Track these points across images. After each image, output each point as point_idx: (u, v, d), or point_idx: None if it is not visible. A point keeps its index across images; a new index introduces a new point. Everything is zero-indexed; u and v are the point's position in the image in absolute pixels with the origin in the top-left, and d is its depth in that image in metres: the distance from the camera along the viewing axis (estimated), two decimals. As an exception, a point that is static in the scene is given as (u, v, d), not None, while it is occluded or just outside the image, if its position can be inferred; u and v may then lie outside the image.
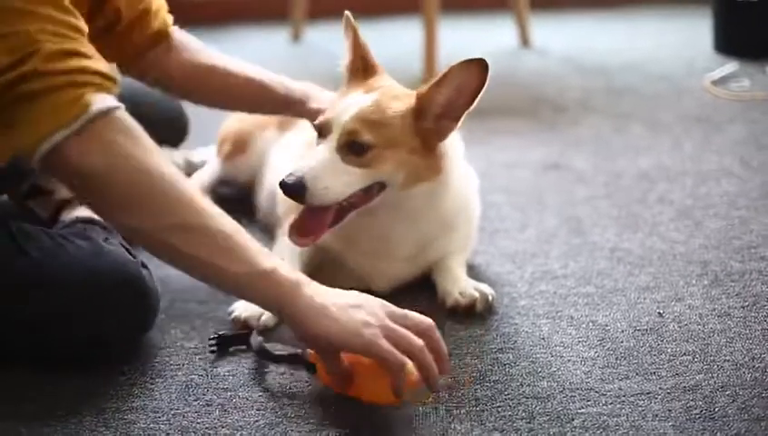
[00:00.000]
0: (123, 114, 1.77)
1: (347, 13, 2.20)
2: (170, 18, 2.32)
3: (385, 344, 1.68)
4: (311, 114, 2.21)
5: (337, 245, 2.19)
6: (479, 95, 2.04)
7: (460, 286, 2.16)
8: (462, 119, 2.06)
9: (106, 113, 1.73)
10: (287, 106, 2.33)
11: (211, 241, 1.75)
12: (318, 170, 1.97)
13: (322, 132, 2.04)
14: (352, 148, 2.01)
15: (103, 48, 2.17)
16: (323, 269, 2.19)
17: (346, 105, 2.05)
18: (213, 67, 2.34)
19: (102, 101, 1.73)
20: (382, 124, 2.03)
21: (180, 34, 2.35)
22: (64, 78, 1.72)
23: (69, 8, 1.78)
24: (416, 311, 1.80)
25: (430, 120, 2.07)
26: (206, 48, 2.37)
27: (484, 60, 2.02)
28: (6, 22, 1.70)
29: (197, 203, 1.76)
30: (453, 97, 2.06)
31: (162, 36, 2.30)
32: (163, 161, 1.78)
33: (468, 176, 2.31)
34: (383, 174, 2.03)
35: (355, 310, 1.73)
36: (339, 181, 1.99)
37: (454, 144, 2.15)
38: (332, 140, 2.01)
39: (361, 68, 2.17)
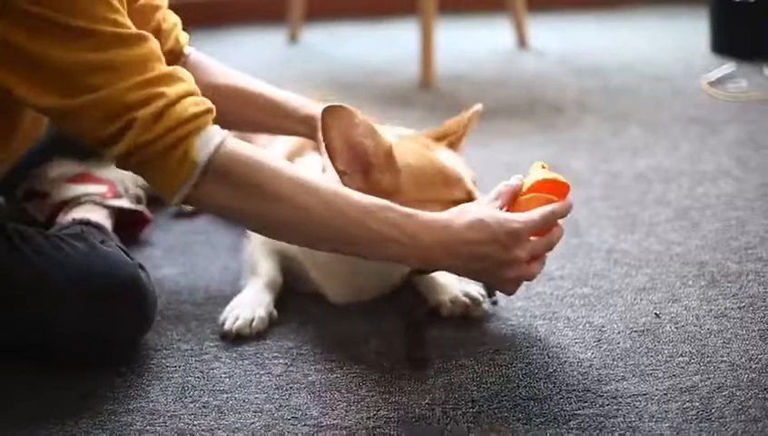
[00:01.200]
0: (231, 143, 1.82)
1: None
2: (184, 37, 2.27)
3: None
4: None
5: (301, 255, 2.19)
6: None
7: (450, 294, 2.14)
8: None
9: (214, 154, 1.79)
10: (303, 122, 2.25)
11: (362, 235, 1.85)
12: None
13: (471, 196, 2.06)
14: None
15: None
16: (288, 274, 2.23)
17: (460, 165, 2.12)
18: (236, 89, 2.27)
19: (204, 145, 1.80)
20: None
21: (197, 55, 2.29)
22: (162, 143, 1.78)
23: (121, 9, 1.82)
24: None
25: None
26: (226, 70, 2.31)
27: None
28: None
29: (334, 208, 1.83)
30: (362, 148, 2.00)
31: (175, 56, 2.23)
32: (285, 174, 1.84)
33: None
34: None
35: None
36: None
37: None
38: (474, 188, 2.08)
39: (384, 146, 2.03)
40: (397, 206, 1.85)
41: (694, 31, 4.26)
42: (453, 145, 2.21)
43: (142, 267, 2.05)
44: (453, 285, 2.16)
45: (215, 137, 1.82)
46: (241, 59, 4.19)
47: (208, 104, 1.84)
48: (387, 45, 4.37)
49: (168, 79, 1.81)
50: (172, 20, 2.24)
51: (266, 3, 4.90)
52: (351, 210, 1.84)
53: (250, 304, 2.13)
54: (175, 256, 2.47)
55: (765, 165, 2.89)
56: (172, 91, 1.80)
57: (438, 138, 2.21)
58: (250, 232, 2.29)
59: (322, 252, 2.05)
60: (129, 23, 1.82)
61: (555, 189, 1.95)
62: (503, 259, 1.87)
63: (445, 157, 2.10)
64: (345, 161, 1.98)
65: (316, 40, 4.54)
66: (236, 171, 1.82)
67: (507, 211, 1.92)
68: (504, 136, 3.24)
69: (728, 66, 3.74)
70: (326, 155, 1.98)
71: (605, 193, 2.74)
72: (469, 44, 4.39)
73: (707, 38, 4.06)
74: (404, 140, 2.12)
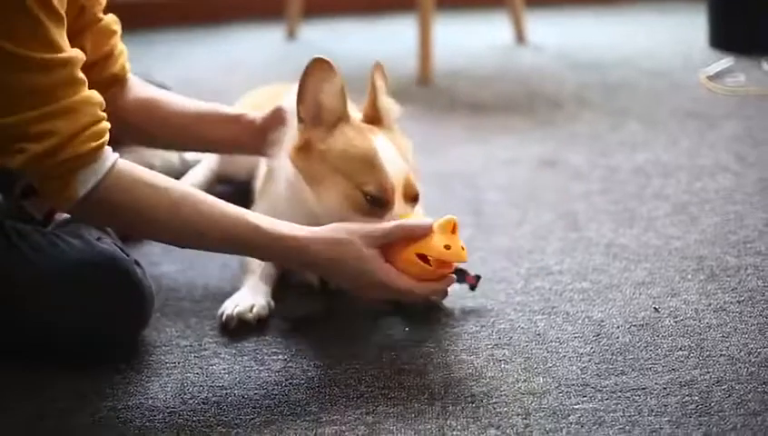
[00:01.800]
0: (115, 173, 1.88)
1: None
2: (128, 65, 2.30)
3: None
4: (258, 124, 2.26)
5: None
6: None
7: None
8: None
9: (91, 190, 1.86)
10: (236, 121, 2.31)
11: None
12: None
13: (384, 201, 2.01)
14: (415, 199, 2.05)
15: None
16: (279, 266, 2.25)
17: (394, 164, 2.03)
18: (158, 99, 2.33)
19: (86, 182, 1.85)
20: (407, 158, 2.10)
21: (137, 80, 2.33)
22: (48, 175, 1.85)
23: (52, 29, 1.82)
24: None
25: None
26: (161, 91, 2.38)
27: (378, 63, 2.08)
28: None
29: (206, 238, 1.96)
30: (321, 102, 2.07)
31: (119, 80, 2.27)
32: (162, 201, 1.92)
33: None
34: None
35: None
36: None
37: None
38: (400, 199, 2.02)
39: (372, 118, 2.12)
40: (264, 229, 1.94)
41: (692, 25, 4.26)
42: (384, 124, 2.14)
43: (137, 263, 2.05)
44: None
45: (99, 171, 1.86)
46: (239, 55, 4.20)
47: (103, 135, 1.87)
48: (385, 41, 4.38)
49: (71, 111, 1.83)
50: (121, 48, 2.27)
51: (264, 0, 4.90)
52: (218, 233, 1.94)
53: (248, 295, 2.15)
54: (174, 253, 2.45)
55: (763, 160, 2.89)
56: (68, 127, 1.82)
57: (371, 120, 2.14)
58: None
59: None
60: (61, 41, 1.83)
61: (442, 263, 1.94)
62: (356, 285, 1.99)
63: (382, 148, 2.04)
64: (308, 110, 2.04)
65: (314, 36, 4.54)
66: (114, 200, 1.89)
67: (388, 250, 1.93)
68: (502, 132, 3.24)
69: (726, 61, 3.74)
70: (295, 98, 2.06)
71: (603, 188, 2.73)
72: (467, 40, 4.39)
73: (705, 33, 4.06)
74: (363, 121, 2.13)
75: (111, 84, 2.24)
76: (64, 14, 1.84)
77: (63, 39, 1.83)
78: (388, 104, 2.16)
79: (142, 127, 2.31)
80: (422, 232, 1.92)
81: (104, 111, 1.90)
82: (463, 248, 1.92)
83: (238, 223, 1.94)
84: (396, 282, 1.93)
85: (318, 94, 2.04)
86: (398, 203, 2.01)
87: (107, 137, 1.88)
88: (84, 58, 1.88)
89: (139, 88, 2.32)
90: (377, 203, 2.00)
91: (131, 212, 1.91)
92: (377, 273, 1.92)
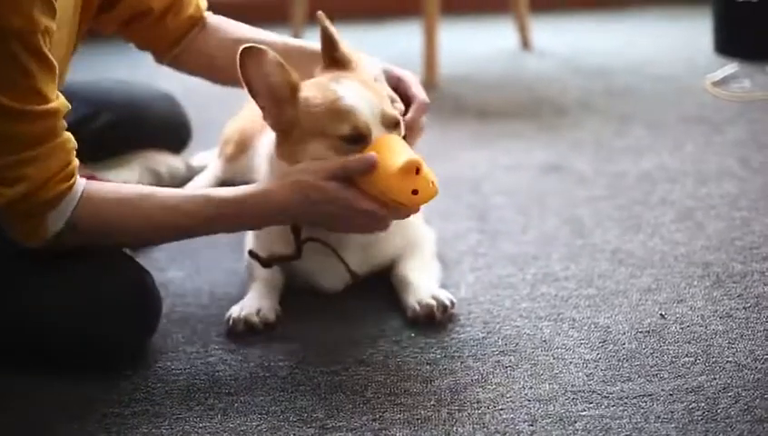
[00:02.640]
0: (84, 203, 1.91)
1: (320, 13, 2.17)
2: (204, 2, 2.30)
3: None
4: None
5: (287, 251, 2.19)
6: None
7: (418, 296, 2.14)
8: None
9: (64, 226, 1.90)
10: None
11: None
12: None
13: (358, 136, 1.99)
14: (394, 126, 2.02)
15: (135, 38, 2.20)
16: (284, 272, 2.25)
17: (361, 98, 2.00)
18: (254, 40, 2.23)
19: (57, 220, 1.89)
20: (380, 90, 2.08)
21: (215, 18, 2.32)
22: (22, 214, 1.88)
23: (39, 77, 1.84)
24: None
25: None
26: (242, 25, 2.34)
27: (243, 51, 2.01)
28: None
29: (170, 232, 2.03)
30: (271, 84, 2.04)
31: (196, 21, 2.27)
32: (132, 216, 1.96)
33: None
34: None
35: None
36: None
37: None
38: (378, 128, 1.99)
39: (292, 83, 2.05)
40: (217, 195, 2.00)
41: (697, 31, 4.26)
42: (350, 67, 2.12)
43: (145, 270, 2.05)
44: (424, 288, 2.16)
45: (68, 208, 1.89)
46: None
47: (72, 175, 1.90)
48: (390, 46, 4.37)
49: (44, 158, 1.85)
50: None
51: (269, 5, 4.90)
52: (190, 221, 1.98)
53: (254, 299, 2.15)
54: (180, 259, 2.47)
55: (769, 165, 2.90)
56: (40, 174, 1.85)
57: (340, 67, 2.12)
58: (244, 242, 2.30)
59: (306, 253, 2.12)
60: (48, 91, 1.84)
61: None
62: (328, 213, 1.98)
63: (346, 90, 2.01)
64: (263, 96, 2.03)
65: (319, 42, 4.54)
66: (84, 227, 1.91)
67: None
68: (508, 137, 3.24)
69: (731, 66, 3.74)
70: (248, 93, 2.04)
71: (609, 194, 2.73)
72: (473, 46, 4.39)
73: (710, 38, 4.05)
74: (319, 76, 2.11)
75: (189, 26, 2.25)
76: (56, 63, 1.85)
77: (50, 88, 1.85)
78: (347, 49, 2.15)
79: (229, 70, 2.21)
80: (365, 165, 1.93)
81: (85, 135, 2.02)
82: (433, 184, 1.93)
83: (204, 204, 1.98)
84: (360, 203, 1.94)
85: (263, 80, 2.01)
86: (377, 131, 1.98)
87: (76, 176, 1.91)
88: (69, 107, 1.90)
89: (224, 28, 2.31)
90: (354, 142, 1.98)
91: (102, 232, 1.95)
92: (339, 198, 1.94)
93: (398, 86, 2.18)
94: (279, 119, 2.04)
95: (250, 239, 2.27)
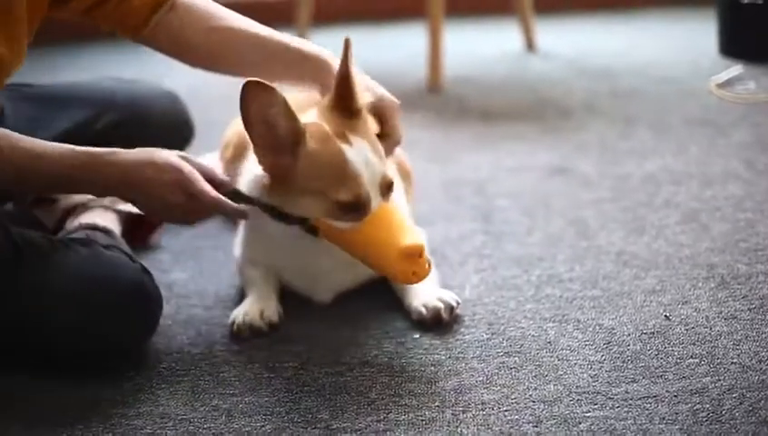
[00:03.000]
0: None
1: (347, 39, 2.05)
2: None
3: None
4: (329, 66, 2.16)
5: (279, 265, 2.21)
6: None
7: (423, 298, 2.13)
8: None
9: None
10: (307, 60, 2.21)
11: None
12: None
13: (362, 205, 1.96)
14: (389, 192, 2.00)
15: (100, 22, 2.18)
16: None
17: (367, 164, 1.96)
18: (233, 30, 2.22)
19: None
20: (380, 151, 2.02)
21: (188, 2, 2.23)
22: None
23: None
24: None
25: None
26: (216, 9, 2.25)
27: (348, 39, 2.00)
28: None
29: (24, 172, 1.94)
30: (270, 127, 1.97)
31: (162, 1, 2.19)
32: None
33: None
34: None
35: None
36: None
37: None
38: (377, 198, 1.97)
39: (297, 132, 1.98)
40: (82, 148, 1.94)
41: (701, 33, 4.25)
42: (358, 117, 2.03)
43: (146, 270, 2.05)
44: (427, 289, 2.15)
45: None
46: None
47: None
48: (394, 48, 4.37)
49: None
50: None
51: (274, 6, 4.90)
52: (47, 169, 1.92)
53: (256, 302, 2.15)
54: (185, 260, 2.47)
55: (774, 167, 2.89)
56: None
57: (342, 109, 2.02)
58: (235, 251, 2.31)
59: (294, 262, 2.12)
60: None
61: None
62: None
63: (354, 154, 1.96)
64: (258, 135, 1.96)
65: (324, 43, 4.50)
66: None
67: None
68: (512, 139, 3.24)
69: (736, 68, 3.74)
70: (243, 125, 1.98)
71: (613, 196, 2.73)
72: (477, 47, 4.39)
73: (715, 40, 4.05)
74: (323, 125, 2.00)
75: (155, 5, 2.18)
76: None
77: None
78: (363, 93, 2.06)
79: (199, 54, 2.24)
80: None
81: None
82: (429, 264, 1.94)
83: (69, 153, 1.93)
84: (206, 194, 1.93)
85: (264, 121, 1.94)
86: (375, 199, 1.96)
87: None
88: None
89: (196, 10, 2.21)
90: (352, 209, 1.96)
91: None
92: (205, 205, 1.95)
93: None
94: (273, 164, 1.99)
95: (239, 247, 2.28)
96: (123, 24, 2.21)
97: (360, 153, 1.96)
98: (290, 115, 1.94)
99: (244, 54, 2.20)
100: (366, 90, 2.08)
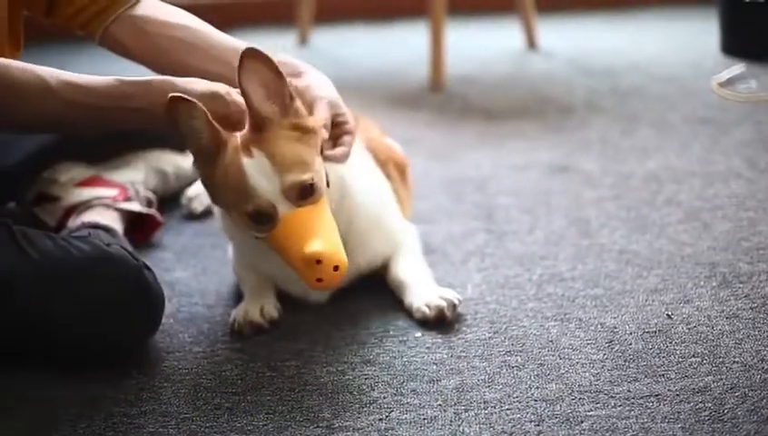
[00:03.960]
0: None
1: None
2: None
3: None
4: None
5: (264, 269, 2.21)
6: (277, 66, 1.95)
7: (424, 298, 2.13)
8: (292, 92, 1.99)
9: None
10: None
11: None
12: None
13: (264, 216, 1.95)
14: (303, 196, 1.95)
15: (63, 24, 2.19)
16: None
17: (265, 174, 1.94)
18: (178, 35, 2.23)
19: None
20: (292, 155, 1.96)
21: (150, 10, 2.23)
22: None
23: None
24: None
25: (286, 119, 1.98)
26: (172, 14, 2.26)
27: (248, 50, 1.95)
28: None
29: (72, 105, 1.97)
30: (268, 91, 1.96)
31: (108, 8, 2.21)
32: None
33: (361, 169, 2.25)
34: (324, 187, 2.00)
35: None
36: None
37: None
38: (284, 203, 1.94)
39: (218, 143, 1.97)
40: (131, 81, 1.98)
41: (703, 31, 4.25)
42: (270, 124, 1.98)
43: (147, 268, 2.05)
44: (428, 288, 2.16)
45: None
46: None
47: None
48: (396, 47, 4.37)
49: None
50: None
51: (276, 5, 4.90)
52: (89, 100, 1.97)
53: (254, 299, 2.16)
54: (187, 259, 2.47)
55: (776, 166, 2.89)
56: None
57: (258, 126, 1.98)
58: (230, 256, 2.32)
59: (279, 268, 2.06)
60: None
61: None
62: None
63: (250, 167, 1.93)
64: (192, 148, 1.99)
65: (326, 42, 4.54)
66: None
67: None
68: (514, 137, 3.24)
69: (738, 67, 3.74)
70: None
71: (615, 194, 2.73)
72: (479, 46, 4.39)
73: (717, 39, 4.05)
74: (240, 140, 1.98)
75: (111, 2, 2.20)
76: None
77: None
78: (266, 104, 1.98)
79: (147, 58, 2.24)
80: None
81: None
82: (337, 268, 1.90)
83: (114, 82, 1.98)
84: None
85: (191, 131, 1.94)
86: (283, 207, 1.93)
87: None
88: None
89: (151, 14, 2.22)
90: (261, 220, 1.95)
91: (2, 94, 1.94)
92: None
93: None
94: (205, 177, 2.01)
95: (233, 255, 2.30)
96: (80, 23, 2.23)
97: (258, 164, 1.94)
98: (211, 127, 1.94)
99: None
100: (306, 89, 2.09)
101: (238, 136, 1.97)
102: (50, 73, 1.97)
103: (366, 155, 2.30)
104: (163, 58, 2.15)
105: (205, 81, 2.00)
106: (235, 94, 2.00)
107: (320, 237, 1.92)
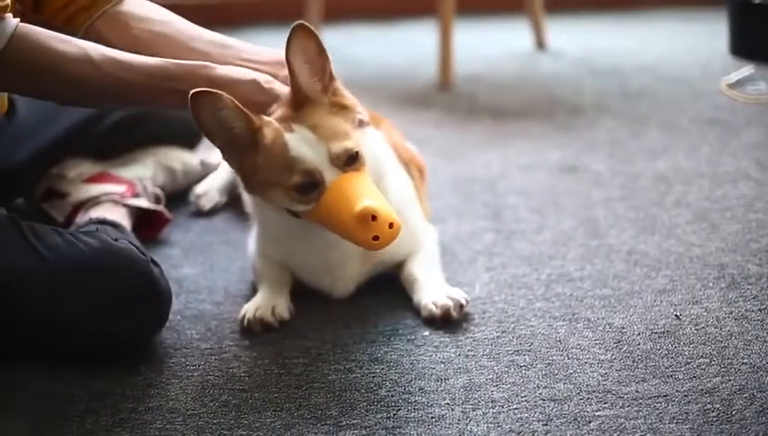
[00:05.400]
0: (19, 32, 1.93)
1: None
2: None
3: None
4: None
5: (292, 262, 2.21)
6: (323, 45, 2.00)
7: (432, 296, 2.13)
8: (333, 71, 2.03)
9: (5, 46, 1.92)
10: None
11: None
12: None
13: (311, 184, 1.97)
14: (349, 162, 1.98)
15: (50, 19, 2.20)
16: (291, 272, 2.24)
17: (309, 143, 1.97)
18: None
19: None
20: (334, 126, 2.00)
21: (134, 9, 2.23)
22: None
23: None
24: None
25: (326, 96, 2.02)
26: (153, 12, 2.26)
27: (298, 26, 1.99)
28: None
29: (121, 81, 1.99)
30: (311, 68, 2.00)
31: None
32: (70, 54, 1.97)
33: (394, 171, 2.27)
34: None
35: None
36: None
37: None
38: (331, 170, 1.96)
39: (252, 127, 1.99)
40: (175, 62, 2.01)
41: (712, 33, 4.25)
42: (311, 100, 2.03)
43: (155, 263, 2.06)
44: (437, 287, 2.16)
45: (5, 30, 1.90)
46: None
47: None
48: (405, 46, 4.37)
49: None
50: None
51: (283, 4, 4.90)
52: (132, 76, 1.98)
53: (267, 297, 2.16)
54: (194, 255, 2.47)
55: (785, 167, 2.89)
56: None
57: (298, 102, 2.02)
58: (249, 246, 2.32)
59: (307, 260, 2.14)
60: None
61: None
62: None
63: (292, 139, 1.97)
64: (220, 140, 1.99)
65: (334, 41, 4.53)
66: (24, 60, 1.93)
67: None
68: (522, 137, 3.24)
69: (747, 69, 3.73)
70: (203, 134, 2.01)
71: (624, 195, 2.73)
72: (488, 45, 4.38)
73: (726, 40, 4.04)
74: (275, 120, 2.02)
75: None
76: None
77: None
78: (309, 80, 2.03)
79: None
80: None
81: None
82: (392, 225, 1.91)
83: (161, 63, 2.01)
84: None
85: (219, 123, 1.96)
86: (330, 174, 1.96)
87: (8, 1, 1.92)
88: None
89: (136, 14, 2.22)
90: (308, 189, 1.97)
91: (44, 66, 1.95)
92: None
93: None
94: (241, 163, 2.02)
95: (252, 242, 2.29)
96: (65, 17, 2.23)
97: (302, 136, 1.97)
98: (242, 114, 1.95)
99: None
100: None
101: (272, 117, 2.00)
102: (93, 46, 1.98)
103: (393, 153, 2.31)
104: (146, 52, 2.16)
105: (245, 69, 2.04)
106: (276, 84, 2.02)
107: (372, 196, 1.93)
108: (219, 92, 1.92)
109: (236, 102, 1.93)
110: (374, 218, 1.89)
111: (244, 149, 1.98)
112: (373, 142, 2.14)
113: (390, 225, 1.90)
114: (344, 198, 1.94)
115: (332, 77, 2.03)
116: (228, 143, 1.99)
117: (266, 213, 2.13)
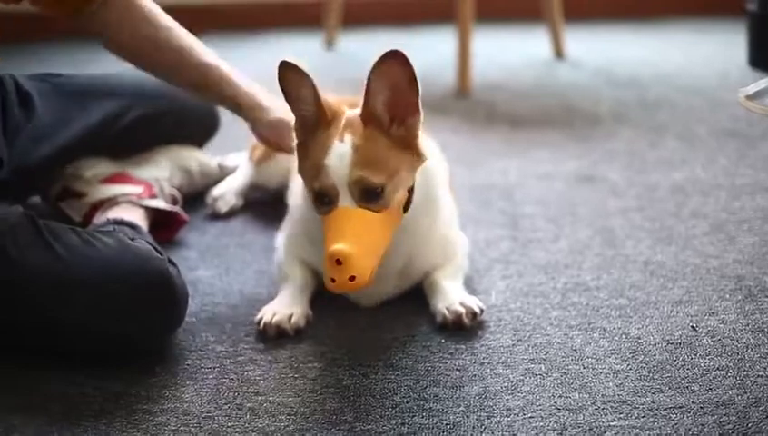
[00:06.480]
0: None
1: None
2: None
3: None
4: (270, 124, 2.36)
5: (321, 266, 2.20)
6: (416, 78, 2.01)
7: (447, 302, 2.13)
8: (420, 106, 2.02)
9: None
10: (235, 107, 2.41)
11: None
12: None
13: (326, 197, 1.98)
14: (366, 197, 1.97)
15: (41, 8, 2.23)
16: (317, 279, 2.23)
17: (335, 157, 1.97)
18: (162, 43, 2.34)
19: None
20: (377, 158, 1.99)
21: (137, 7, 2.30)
22: None
23: None
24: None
25: (394, 127, 2.01)
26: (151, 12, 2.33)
27: (395, 52, 1.99)
28: None
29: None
30: (392, 97, 2.00)
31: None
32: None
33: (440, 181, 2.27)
34: (396, 204, 2.02)
35: None
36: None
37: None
38: (346, 195, 1.96)
39: (320, 118, 2.03)
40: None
41: (730, 44, 4.25)
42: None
43: (172, 262, 2.06)
44: (454, 294, 2.15)
45: None
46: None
47: None
48: (423, 53, 4.36)
49: None
50: None
51: (303, 8, 4.91)
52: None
53: (286, 304, 2.15)
54: (210, 258, 2.47)
55: (803, 180, 2.88)
56: None
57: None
58: (277, 243, 2.32)
59: None
60: None
61: None
62: None
63: (335, 149, 1.98)
64: (296, 111, 2.05)
65: (352, 46, 4.55)
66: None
67: None
68: (539, 146, 3.24)
69: (765, 81, 3.72)
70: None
71: (641, 205, 2.72)
72: (506, 53, 4.39)
73: (744, 51, 4.04)
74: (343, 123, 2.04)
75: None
76: None
77: None
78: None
79: (135, 59, 2.38)
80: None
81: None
82: (353, 278, 1.90)
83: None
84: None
85: (298, 97, 2.03)
86: (344, 198, 1.96)
87: None
88: None
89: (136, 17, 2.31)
90: (323, 199, 1.98)
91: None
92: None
93: None
94: (300, 143, 2.07)
95: (282, 242, 2.28)
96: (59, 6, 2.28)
97: (342, 150, 1.97)
98: (316, 99, 2.01)
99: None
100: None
101: (344, 117, 2.03)
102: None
103: (443, 167, 2.32)
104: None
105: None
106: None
107: (359, 244, 1.92)
108: (303, 72, 1.99)
109: (317, 87, 2.00)
110: (339, 263, 1.89)
111: (307, 131, 2.04)
112: (427, 176, 2.13)
113: (352, 278, 1.89)
114: (336, 230, 1.94)
115: (413, 112, 2.02)
116: (299, 117, 2.04)
117: (311, 212, 2.09)
